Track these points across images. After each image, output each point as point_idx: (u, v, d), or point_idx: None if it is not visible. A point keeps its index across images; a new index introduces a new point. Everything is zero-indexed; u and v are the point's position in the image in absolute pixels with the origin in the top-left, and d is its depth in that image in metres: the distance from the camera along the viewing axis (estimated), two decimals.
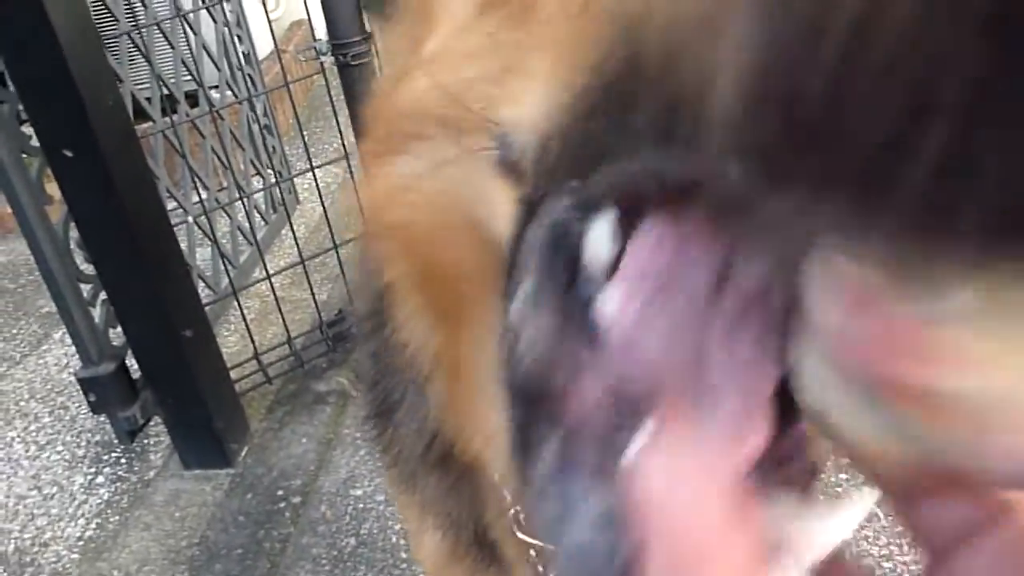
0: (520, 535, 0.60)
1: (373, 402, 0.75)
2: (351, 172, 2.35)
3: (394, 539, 1.91)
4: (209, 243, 2.54)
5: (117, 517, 2.09)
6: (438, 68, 0.48)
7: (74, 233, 1.98)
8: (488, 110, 0.43)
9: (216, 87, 2.82)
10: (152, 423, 2.29)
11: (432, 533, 0.75)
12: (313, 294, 2.42)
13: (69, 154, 1.76)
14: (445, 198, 0.47)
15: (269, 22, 2.24)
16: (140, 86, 2.37)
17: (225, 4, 2.76)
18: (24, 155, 1.93)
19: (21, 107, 1.78)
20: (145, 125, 2.31)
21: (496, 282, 0.44)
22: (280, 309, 2.36)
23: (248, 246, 2.78)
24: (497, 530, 0.68)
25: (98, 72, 1.75)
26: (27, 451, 2.37)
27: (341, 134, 2.29)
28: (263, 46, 3.18)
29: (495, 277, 0.45)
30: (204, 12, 2.63)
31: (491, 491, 0.64)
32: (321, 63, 2.08)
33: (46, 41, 1.63)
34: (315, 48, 2.10)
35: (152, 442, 2.30)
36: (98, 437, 2.36)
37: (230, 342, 2.57)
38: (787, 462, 0.38)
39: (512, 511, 0.61)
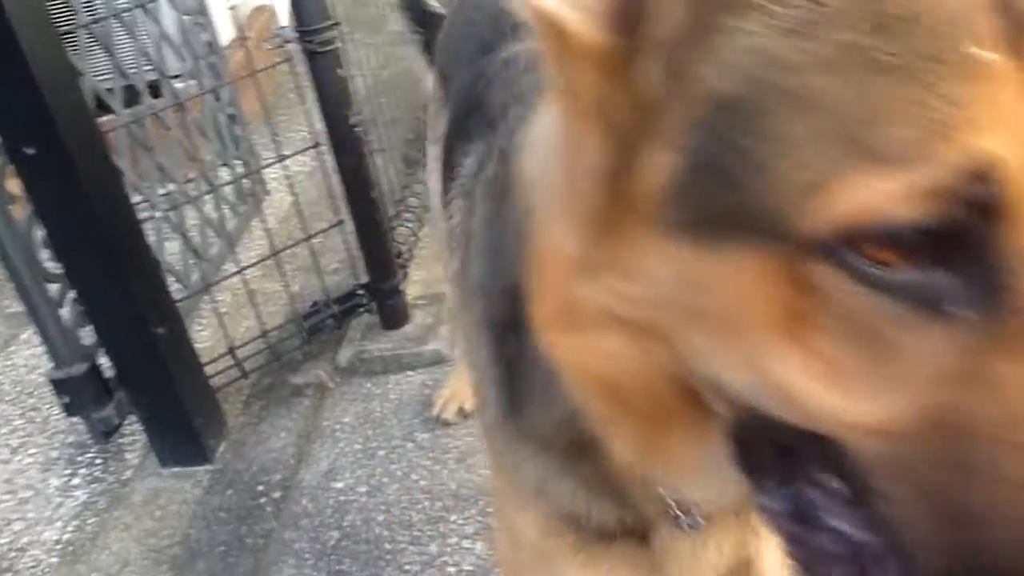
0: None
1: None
2: (321, 161, 2.32)
3: (377, 531, 1.90)
4: (176, 238, 2.50)
5: (95, 519, 2.06)
6: (628, 305, 0.55)
7: (40, 232, 1.94)
8: None
9: (178, 76, 2.76)
10: (127, 421, 2.25)
11: (534, 508, 0.84)
12: (287, 286, 2.39)
13: (31, 151, 1.72)
14: (647, 374, 0.58)
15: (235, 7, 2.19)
16: (99, 77, 2.31)
17: None
18: None
19: None
20: (106, 118, 2.25)
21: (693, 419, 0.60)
22: (253, 302, 2.33)
23: (217, 239, 2.74)
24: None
25: (58, 67, 1.71)
26: None
27: (310, 122, 2.26)
28: (225, 34, 3.12)
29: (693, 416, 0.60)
30: (164, 0, 2.57)
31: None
32: (288, 51, 2.05)
33: (3, 38, 1.59)
34: (281, 35, 2.06)
35: (128, 441, 2.26)
36: (72, 438, 2.32)
37: (203, 337, 2.53)
38: None
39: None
